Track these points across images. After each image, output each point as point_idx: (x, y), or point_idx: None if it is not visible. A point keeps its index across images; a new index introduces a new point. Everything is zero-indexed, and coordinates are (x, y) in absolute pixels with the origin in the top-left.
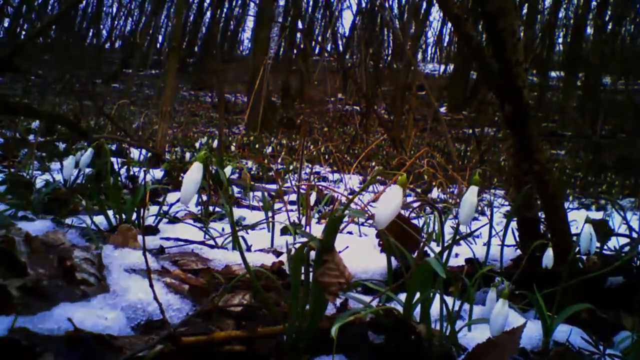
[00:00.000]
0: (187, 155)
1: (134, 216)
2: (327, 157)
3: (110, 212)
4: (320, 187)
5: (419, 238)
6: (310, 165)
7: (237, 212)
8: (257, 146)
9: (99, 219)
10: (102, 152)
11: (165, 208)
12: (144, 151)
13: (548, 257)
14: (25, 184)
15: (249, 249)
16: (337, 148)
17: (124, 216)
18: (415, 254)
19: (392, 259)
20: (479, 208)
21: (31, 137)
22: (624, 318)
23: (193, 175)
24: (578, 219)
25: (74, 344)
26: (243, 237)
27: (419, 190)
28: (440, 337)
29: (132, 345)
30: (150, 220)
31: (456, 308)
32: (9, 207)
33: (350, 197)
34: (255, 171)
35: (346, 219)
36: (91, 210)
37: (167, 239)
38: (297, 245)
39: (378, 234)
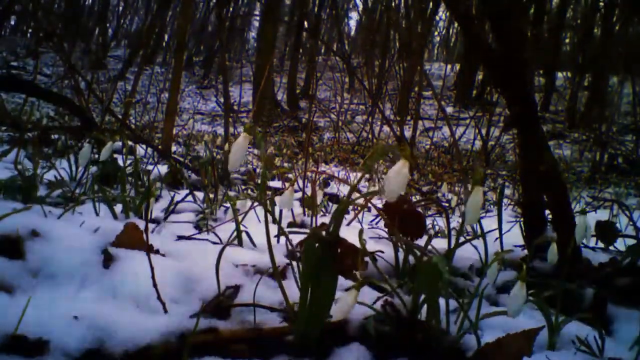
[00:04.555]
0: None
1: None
2: (333, 156)
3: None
4: (327, 175)
5: (424, 223)
6: (316, 165)
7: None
8: (262, 144)
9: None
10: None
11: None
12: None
13: (552, 252)
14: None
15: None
16: (343, 147)
17: (130, 214)
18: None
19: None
20: (485, 207)
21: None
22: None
23: (240, 143)
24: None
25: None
26: (247, 233)
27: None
28: (447, 335)
29: (138, 341)
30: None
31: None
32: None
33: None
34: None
35: (351, 217)
36: (97, 206)
37: (178, 237)
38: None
39: (386, 224)
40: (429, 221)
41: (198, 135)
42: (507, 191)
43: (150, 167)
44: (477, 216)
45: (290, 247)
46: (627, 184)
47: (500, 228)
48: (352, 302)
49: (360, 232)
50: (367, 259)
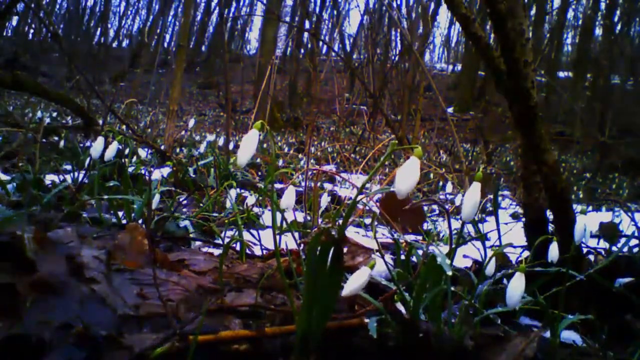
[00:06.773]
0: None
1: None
2: (335, 155)
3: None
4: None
5: (423, 213)
6: (317, 164)
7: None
8: (264, 145)
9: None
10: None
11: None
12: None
13: (553, 251)
14: (34, 182)
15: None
16: (344, 147)
17: (132, 215)
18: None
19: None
20: (486, 209)
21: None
22: (633, 321)
23: (249, 140)
24: (586, 221)
25: (83, 341)
26: (255, 236)
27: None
28: (450, 334)
29: (140, 343)
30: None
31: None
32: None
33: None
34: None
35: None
36: (100, 208)
37: (175, 237)
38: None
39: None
40: (429, 222)
41: (201, 136)
42: (508, 192)
43: (151, 168)
44: (474, 212)
45: (295, 245)
46: (631, 185)
47: (498, 227)
48: (364, 280)
49: (373, 217)
50: (374, 255)
